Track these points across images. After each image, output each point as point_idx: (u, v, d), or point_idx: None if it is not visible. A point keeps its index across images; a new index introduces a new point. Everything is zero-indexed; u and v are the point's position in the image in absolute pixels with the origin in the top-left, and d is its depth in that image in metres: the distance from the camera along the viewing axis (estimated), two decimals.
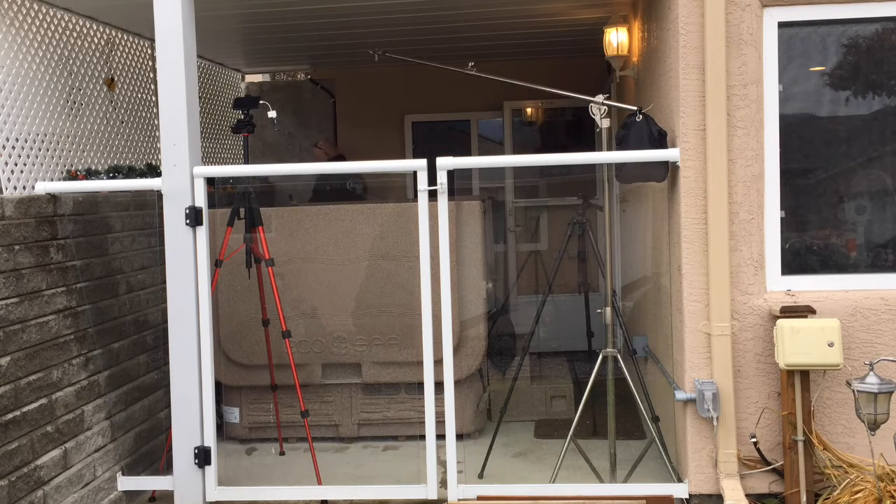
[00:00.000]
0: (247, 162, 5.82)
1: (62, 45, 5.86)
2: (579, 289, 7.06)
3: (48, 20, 5.72)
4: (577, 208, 5.34)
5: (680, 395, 4.39)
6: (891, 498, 3.88)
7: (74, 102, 5.93)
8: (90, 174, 5.86)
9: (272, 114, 5.35)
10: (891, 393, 3.86)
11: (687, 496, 4.42)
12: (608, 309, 4.76)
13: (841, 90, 4.40)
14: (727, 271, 4.28)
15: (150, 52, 7.02)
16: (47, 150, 5.56)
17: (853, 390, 3.92)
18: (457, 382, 4.59)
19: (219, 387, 5.28)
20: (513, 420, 5.84)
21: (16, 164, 5.22)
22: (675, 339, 4.63)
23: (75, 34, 6.03)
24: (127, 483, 4.71)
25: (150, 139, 6.97)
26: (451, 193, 4.47)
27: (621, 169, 4.66)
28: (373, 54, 6.00)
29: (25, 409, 3.95)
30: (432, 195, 4.42)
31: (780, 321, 4.14)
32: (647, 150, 4.48)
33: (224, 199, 5.42)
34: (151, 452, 5.12)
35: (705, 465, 4.36)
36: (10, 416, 3.86)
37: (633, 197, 6.22)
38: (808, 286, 4.36)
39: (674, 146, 4.46)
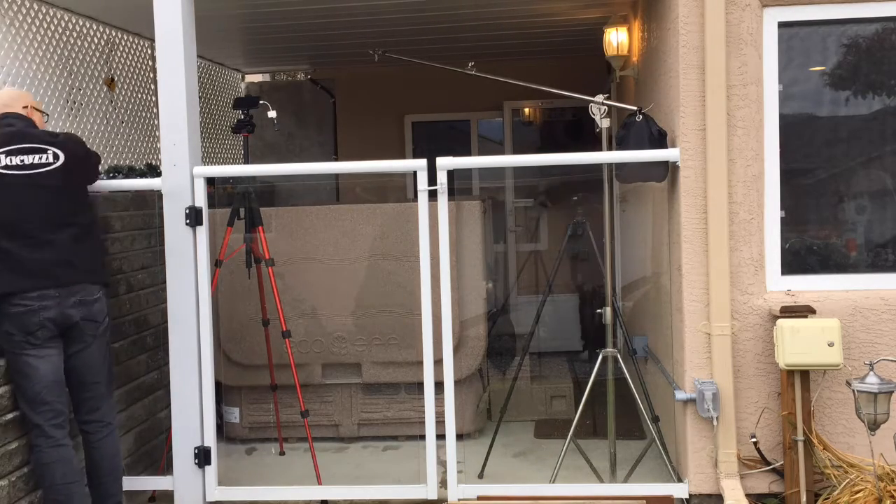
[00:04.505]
0: (247, 162, 5.82)
1: (62, 45, 5.86)
2: (579, 289, 7.04)
3: (48, 20, 5.72)
4: (577, 208, 5.33)
5: (680, 395, 4.39)
6: (891, 498, 3.88)
7: (74, 102, 5.93)
8: None
9: (272, 114, 5.35)
10: (891, 393, 3.86)
11: (687, 496, 4.42)
12: (608, 309, 4.76)
13: (841, 90, 4.40)
14: (727, 271, 4.28)
15: (150, 52, 7.03)
16: None
17: (853, 390, 3.92)
18: (457, 382, 4.59)
19: (219, 387, 5.28)
20: (513, 420, 5.84)
21: None
22: (675, 339, 4.63)
23: (75, 34, 6.03)
24: (127, 483, 4.69)
25: (150, 139, 6.97)
26: (451, 193, 4.47)
27: (621, 169, 4.66)
28: (373, 54, 5.99)
29: None
30: (432, 195, 4.42)
31: (780, 321, 4.14)
32: (647, 150, 4.48)
33: (224, 199, 5.41)
34: (151, 452, 5.12)
35: (705, 465, 4.36)
36: (10, 416, 3.85)
37: (633, 197, 6.22)
38: (808, 286, 4.36)
39: (674, 146, 4.46)
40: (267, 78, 10.41)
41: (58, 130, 5.63)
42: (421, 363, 4.46)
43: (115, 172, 5.98)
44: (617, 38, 6.15)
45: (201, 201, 4.47)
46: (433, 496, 4.48)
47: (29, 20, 5.51)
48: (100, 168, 4.45)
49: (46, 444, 3.87)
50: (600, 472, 4.78)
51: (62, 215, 3.96)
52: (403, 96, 9.23)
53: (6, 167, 3.87)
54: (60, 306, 3.89)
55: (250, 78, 9.81)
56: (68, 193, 4.02)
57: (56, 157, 3.97)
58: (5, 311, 3.83)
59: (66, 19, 5.93)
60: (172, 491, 4.55)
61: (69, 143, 4.10)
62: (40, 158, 3.93)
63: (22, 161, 3.90)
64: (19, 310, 3.81)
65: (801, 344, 4.07)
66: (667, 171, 4.50)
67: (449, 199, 4.44)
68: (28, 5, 5.51)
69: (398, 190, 7.64)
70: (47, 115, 4.50)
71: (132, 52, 6.83)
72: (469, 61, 5.31)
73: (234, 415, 5.82)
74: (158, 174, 4.59)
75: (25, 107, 4.12)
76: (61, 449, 3.90)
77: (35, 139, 3.98)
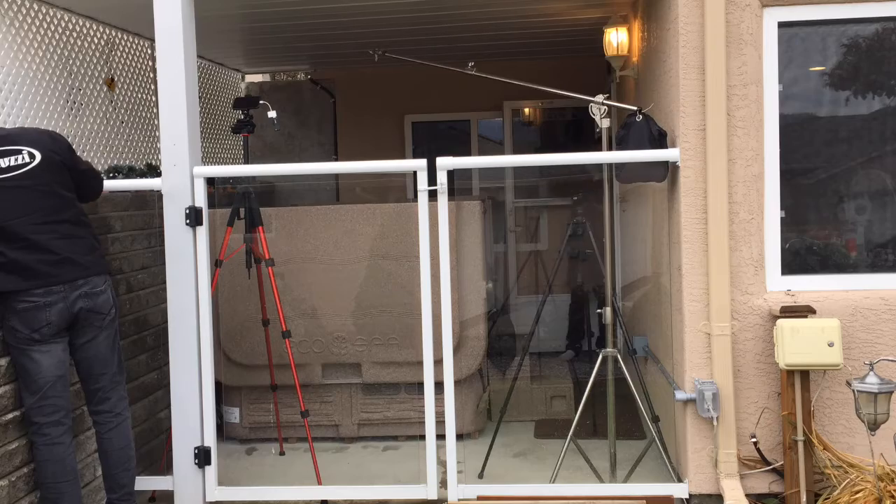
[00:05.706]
0: (247, 162, 5.84)
1: (62, 45, 5.86)
2: (579, 289, 7.02)
3: (48, 20, 5.73)
4: (576, 208, 5.34)
5: (680, 395, 4.39)
6: (891, 498, 3.88)
7: (74, 102, 5.93)
8: None
9: (272, 114, 5.36)
10: (891, 393, 3.86)
11: (687, 496, 4.42)
12: (608, 309, 4.76)
13: (841, 90, 4.40)
14: (727, 271, 4.28)
15: (150, 52, 7.03)
16: None
17: (853, 390, 3.92)
18: (457, 382, 4.59)
19: (219, 387, 5.28)
20: (513, 420, 5.84)
21: None
22: (675, 339, 4.63)
23: (75, 34, 6.03)
24: None
25: (150, 139, 6.97)
26: (451, 193, 4.47)
27: (621, 169, 4.66)
28: (373, 54, 5.99)
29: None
30: (432, 195, 4.42)
31: (780, 321, 4.14)
32: (647, 150, 4.48)
33: (224, 199, 5.42)
34: (151, 452, 5.12)
35: (705, 465, 4.36)
36: (10, 416, 3.85)
37: (633, 197, 6.22)
38: (808, 286, 4.36)
39: (674, 146, 4.46)
40: (267, 78, 10.41)
41: (57, 131, 5.64)
42: (421, 363, 4.46)
43: (115, 172, 5.98)
44: (617, 38, 6.14)
45: (201, 201, 4.47)
46: (433, 496, 4.48)
47: (29, 20, 5.51)
48: (99, 177, 4.36)
49: (41, 441, 3.89)
50: (600, 472, 4.78)
51: (49, 213, 3.91)
52: (403, 96, 9.23)
53: None
54: (66, 301, 3.89)
55: (250, 78, 9.81)
56: (49, 192, 3.93)
57: (32, 156, 3.89)
58: (12, 308, 3.83)
59: (66, 19, 5.93)
60: (172, 491, 4.55)
61: (43, 139, 4.01)
62: (16, 160, 3.86)
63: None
64: (26, 306, 3.81)
65: (801, 344, 4.07)
66: (667, 171, 4.50)
67: (449, 199, 4.44)
68: (28, 5, 5.51)
69: (398, 190, 7.64)
70: None
71: (132, 52, 6.83)
72: (469, 61, 5.31)
73: (234, 415, 5.82)
74: (158, 174, 4.59)
75: None
76: (55, 448, 3.90)
77: (7, 141, 3.89)
